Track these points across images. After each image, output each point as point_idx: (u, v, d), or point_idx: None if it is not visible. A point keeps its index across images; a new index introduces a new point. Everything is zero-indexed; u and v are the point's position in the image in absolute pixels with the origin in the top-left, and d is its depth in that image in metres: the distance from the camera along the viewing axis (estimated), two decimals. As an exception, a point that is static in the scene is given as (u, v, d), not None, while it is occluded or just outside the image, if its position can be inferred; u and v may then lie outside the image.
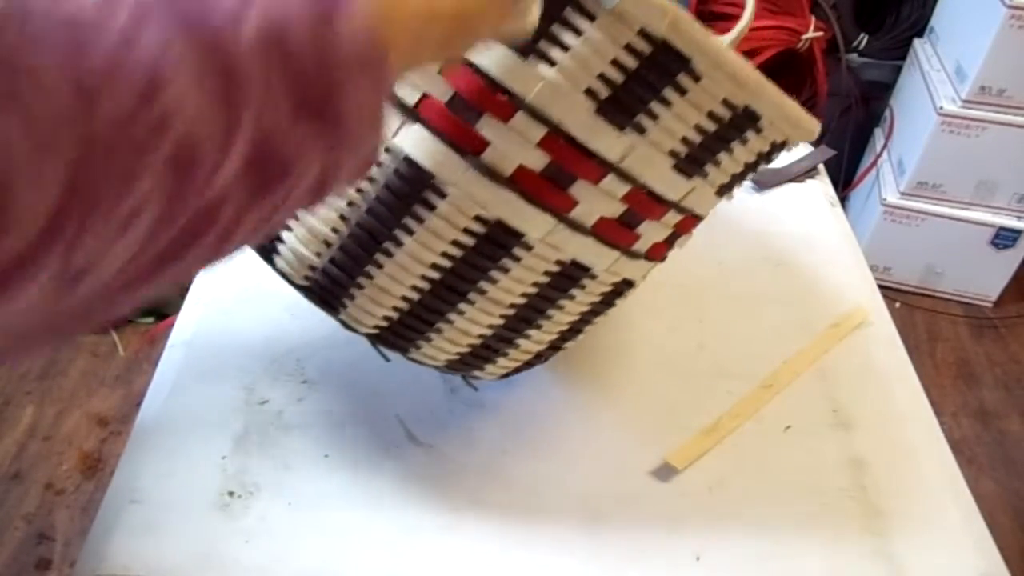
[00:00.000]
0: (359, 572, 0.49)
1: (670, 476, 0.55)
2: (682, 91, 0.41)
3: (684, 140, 0.43)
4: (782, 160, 0.89)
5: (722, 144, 0.45)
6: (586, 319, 0.52)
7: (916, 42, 1.86)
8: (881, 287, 0.73)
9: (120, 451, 0.56)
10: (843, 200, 1.99)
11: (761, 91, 0.42)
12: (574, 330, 0.53)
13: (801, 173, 0.88)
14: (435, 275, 0.45)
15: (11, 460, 1.37)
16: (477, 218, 0.43)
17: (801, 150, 0.92)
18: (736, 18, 0.58)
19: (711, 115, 0.42)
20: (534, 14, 0.38)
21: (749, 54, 1.60)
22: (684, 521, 0.53)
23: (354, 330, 0.49)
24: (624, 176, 0.43)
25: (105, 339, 1.59)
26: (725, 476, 0.56)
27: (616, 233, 0.47)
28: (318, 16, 0.27)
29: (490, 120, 0.41)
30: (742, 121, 0.44)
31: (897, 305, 1.86)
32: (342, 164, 0.30)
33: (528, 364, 0.54)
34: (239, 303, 0.66)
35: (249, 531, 0.50)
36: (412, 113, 0.42)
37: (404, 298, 0.46)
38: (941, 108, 1.64)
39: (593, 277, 0.48)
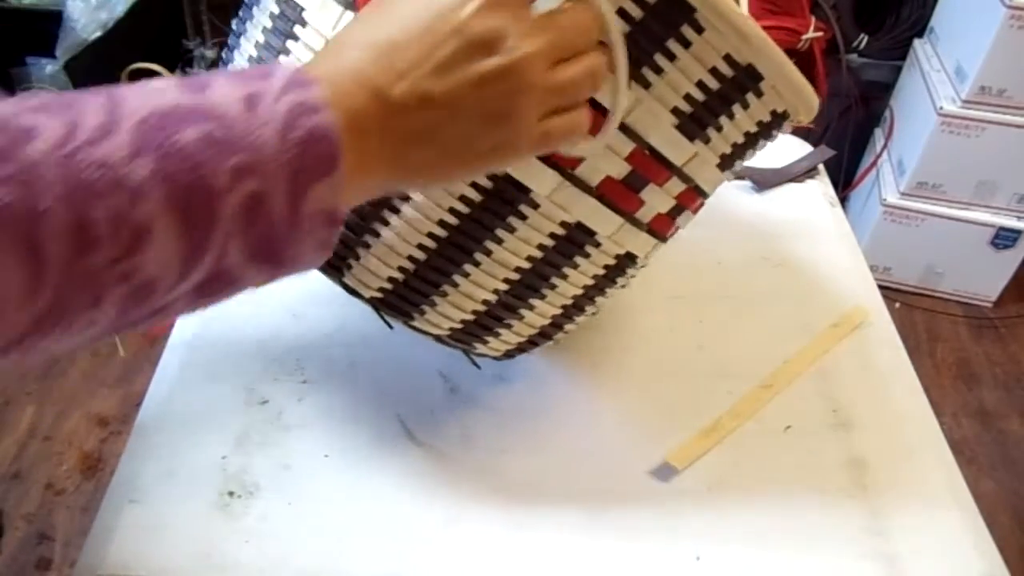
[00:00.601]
0: (359, 572, 0.49)
1: (670, 476, 0.55)
2: (686, 43, 0.41)
3: (687, 97, 0.43)
4: (782, 160, 0.89)
5: (724, 105, 0.45)
6: (589, 295, 0.52)
7: (916, 42, 1.86)
8: (881, 287, 0.73)
9: (120, 451, 0.56)
10: (843, 200, 1.99)
11: (764, 48, 0.42)
12: (577, 306, 0.52)
13: (801, 173, 0.88)
14: (442, 233, 0.45)
15: (11, 460, 1.37)
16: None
17: (801, 150, 0.92)
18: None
19: (714, 71, 0.42)
20: (591, 145, 0.41)
21: (749, 54, 1.59)
22: (684, 521, 0.53)
23: (359, 295, 0.50)
24: (628, 132, 0.44)
25: (105, 339, 1.59)
26: (725, 476, 0.56)
27: (620, 196, 0.47)
28: (295, 191, 0.30)
29: None
30: (744, 80, 0.44)
31: (897, 305, 1.86)
32: (285, 276, 0.34)
33: (531, 342, 0.54)
34: (239, 303, 0.65)
35: (249, 531, 0.50)
36: None
37: (410, 258, 0.47)
38: (941, 108, 1.64)
39: (597, 245, 0.48)
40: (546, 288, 0.49)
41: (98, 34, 1.71)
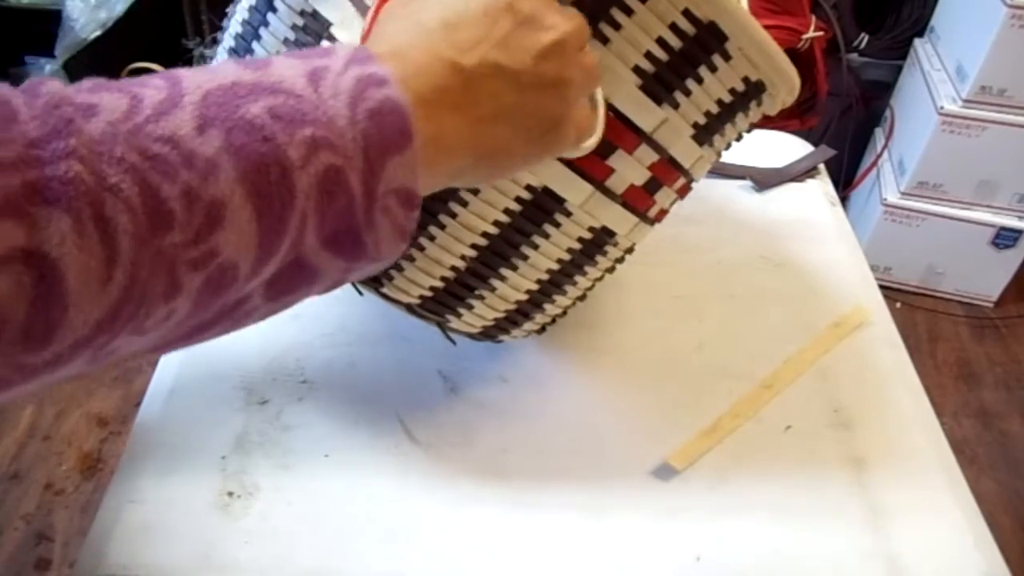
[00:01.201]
0: (359, 572, 0.49)
1: (670, 476, 0.55)
2: (714, 68, 0.42)
3: (648, 56, 0.42)
4: (782, 160, 0.89)
5: (688, 66, 0.44)
6: (567, 272, 0.52)
7: (916, 42, 1.86)
8: (881, 287, 0.73)
9: (120, 451, 0.56)
10: (843, 200, 1.99)
11: (722, 2, 0.41)
12: (555, 283, 0.52)
13: (801, 173, 0.88)
14: (484, 243, 0.47)
15: (11, 460, 1.37)
16: (528, 186, 0.45)
17: (801, 150, 0.92)
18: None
19: (674, 28, 0.42)
20: (592, 142, 0.40)
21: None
22: (684, 521, 0.53)
23: (395, 301, 0.50)
24: (654, 146, 0.44)
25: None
26: (725, 476, 0.56)
27: (640, 200, 0.48)
28: (371, 167, 0.29)
29: None
30: (707, 39, 0.43)
31: (897, 305, 1.86)
32: (362, 271, 0.33)
33: (510, 321, 0.54)
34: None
35: (249, 531, 0.50)
36: None
37: (453, 267, 0.48)
38: (942, 108, 1.64)
39: (568, 214, 0.48)
40: (516, 257, 0.49)
41: (97, 33, 1.71)
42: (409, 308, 0.51)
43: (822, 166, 0.91)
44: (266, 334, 0.63)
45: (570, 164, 0.45)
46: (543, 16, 0.34)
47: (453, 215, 0.46)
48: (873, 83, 1.95)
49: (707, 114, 0.47)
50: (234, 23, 0.50)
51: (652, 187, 0.49)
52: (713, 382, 0.63)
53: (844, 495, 0.55)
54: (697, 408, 0.60)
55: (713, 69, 0.44)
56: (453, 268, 0.48)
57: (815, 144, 0.94)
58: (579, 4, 0.40)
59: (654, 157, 0.47)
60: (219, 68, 0.28)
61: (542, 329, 0.58)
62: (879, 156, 1.89)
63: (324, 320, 0.65)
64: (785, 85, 0.47)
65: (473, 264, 0.48)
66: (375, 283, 0.50)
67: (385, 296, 0.50)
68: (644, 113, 0.44)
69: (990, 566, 0.51)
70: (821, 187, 0.87)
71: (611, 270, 0.55)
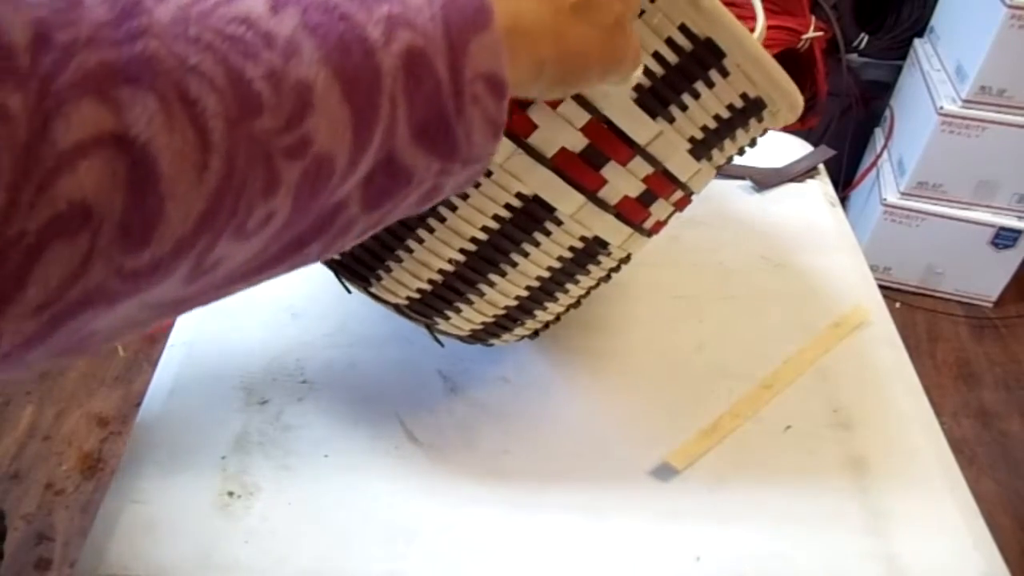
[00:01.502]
0: (359, 572, 0.49)
1: (670, 476, 0.55)
2: (711, 84, 0.42)
3: (703, 128, 0.43)
4: (782, 160, 0.89)
5: (685, 82, 0.44)
6: (558, 280, 0.51)
7: (916, 42, 1.86)
8: (881, 287, 0.73)
9: (120, 451, 0.56)
10: (843, 200, 1.99)
11: (719, 18, 0.41)
12: (546, 291, 0.52)
13: (801, 173, 0.88)
14: (472, 248, 0.47)
15: (11, 460, 1.37)
16: (518, 194, 0.45)
17: (801, 150, 0.92)
18: (739, 19, 0.58)
19: (670, 43, 0.42)
20: (639, 73, 0.39)
21: (749, 54, 1.59)
22: (684, 521, 0.53)
23: (383, 301, 0.50)
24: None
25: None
26: (725, 476, 0.56)
27: (634, 211, 0.47)
28: (453, 47, 0.28)
29: (540, 106, 0.43)
30: (704, 55, 0.43)
31: (897, 305, 1.86)
32: (455, 175, 0.31)
33: (500, 325, 0.54)
34: (239, 303, 0.66)
35: (249, 531, 0.50)
36: None
37: (441, 271, 0.48)
38: (941, 108, 1.64)
39: (559, 223, 0.48)
40: (505, 263, 0.48)
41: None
42: (397, 308, 0.51)
43: (822, 166, 0.91)
44: (266, 334, 0.63)
45: (561, 173, 0.45)
46: None
47: (442, 219, 0.46)
48: (873, 83, 1.95)
49: (704, 129, 0.46)
50: None
51: (647, 199, 0.49)
52: (713, 382, 0.63)
53: (843, 495, 0.55)
54: (697, 408, 0.60)
55: (710, 84, 0.44)
56: (441, 272, 0.48)
57: (815, 144, 0.94)
58: None
59: (649, 170, 0.47)
60: None
61: (535, 334, 0.58)
62: (879, 156, 1.89)
63: (325, 320, 0.65)
64: (785, 102, 0.47)
65: (461, 269, 0.48)
66: (364, 282, 0.50)
67: (374, 296, 0.50)
68: (639, 126, 0.44)
69: (989, 566, 0.51)
70: (821, 187, 0.88)
71: (606, 279, 0.55)
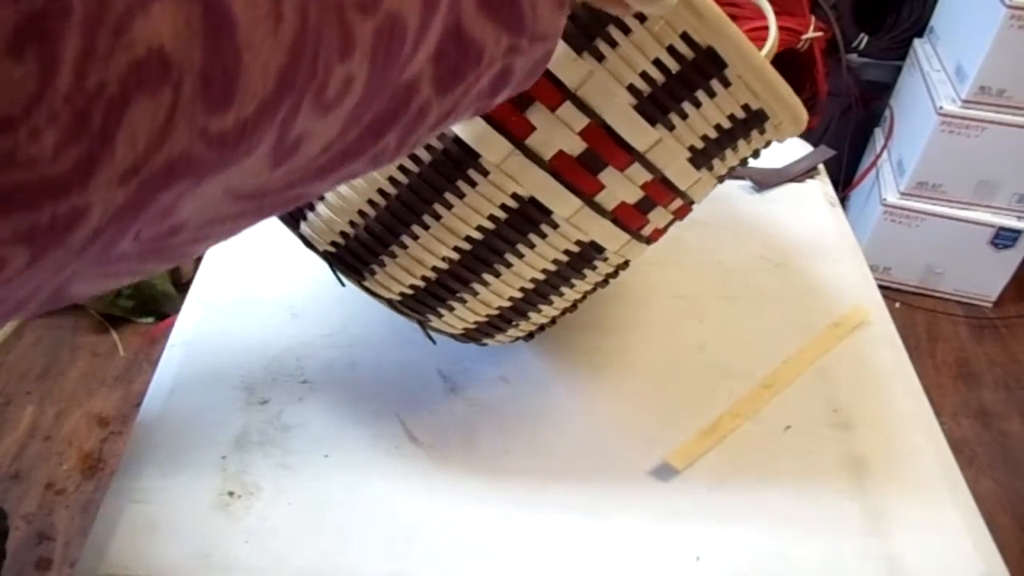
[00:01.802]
0: (359, 572, 0.49)
1: (670, 476, 0.55)
2: (712, 94, 0.42)
3: (644, 76, 0.42)
4: (782, 160, 0.89)
5: (686, 91, 0.43)
6: (552, 283, 0.51)
7: (916, 42, 1.86)
8: (881, 287, 0.73)
9: (120, 451, 0.56)
10: (843, 200, 1.99)
11: (721, 28, 0.41)
12: (540, 293, 0.52)
13: (801, 173, 0.88)
14: (467, 247, 0.47)
15: (11, 460, 1.37)
16: (514, 195, 0.45)
17: (801, 150, 0.92)
18: (737, 19, 0.58)
19: (672, 50, 0.42)
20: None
21: (749, 54, 1.59)
22: (684, 521, 0.53)
23: (375, 295, 0.50)
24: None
25: (105, 339, 1.59)
26: (725, 476, 0.56)
27: (632, 218, 0.47)
28: None
29: (539, 107, 0.43)
30: (705, 64, 0.42)
31: (897, 305, 1.86)
32: (524, 54, 0.31)
33: (493, 325, 0.54)
34: (239, 303, 0.66)
35: (249, 531, 0.50)
36: None
37: (435, 268, 0.48)
38: (941, 108, 1.64)
39: (554, 226, 0.48)
40: (500, 264, 0.48)
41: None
42: (391, 304, 0.51)
43: (822, 166, 0.91)
44: (266, 334, 0.63)
45: (558, 176, 0.45)
46: None
47: (437, 216, 0.46)
48: (873, 83, 1.95)
49: (704, 138, 0.46)
50: None
51: (645, 206, 0.49)
52: (713, 382, 0.63)
53: (843, 495, 0.55)
54: (697, 408, 0.60)
55: (712, 94, 0.44)
56: (435, 269, 0.48)
57: (815, 144, 0.94)
58: (573, 18, 0.40)
59: (647, 177, 0.47)
60: None
61: (530, 336, 0.58)
62: (878, 156, 1.89)
63: (325, 320, 0.65)
64: (788, 115, 0.46)
65: (455, 267, 0.48)
66: (358, 275, 0.50)
67: (367, 289, 0.50)
68: (638, 133, 0.44)
69: (989, 566, 0.51)
70: (821, 187, 0.88)
71: (603, 284, 0.55)
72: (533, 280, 0.50)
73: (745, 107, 0.45)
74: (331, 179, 0.28)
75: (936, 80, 1.71)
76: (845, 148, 1.91)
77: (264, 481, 0.53)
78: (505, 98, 0.32)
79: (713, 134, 0.46)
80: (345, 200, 0.47)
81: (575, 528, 0.52)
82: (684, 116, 0.44)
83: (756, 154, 0.51)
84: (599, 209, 0.47)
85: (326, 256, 0.51)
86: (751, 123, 0.47)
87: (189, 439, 0.55)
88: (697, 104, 0.44)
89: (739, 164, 0.51)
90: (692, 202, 0.52)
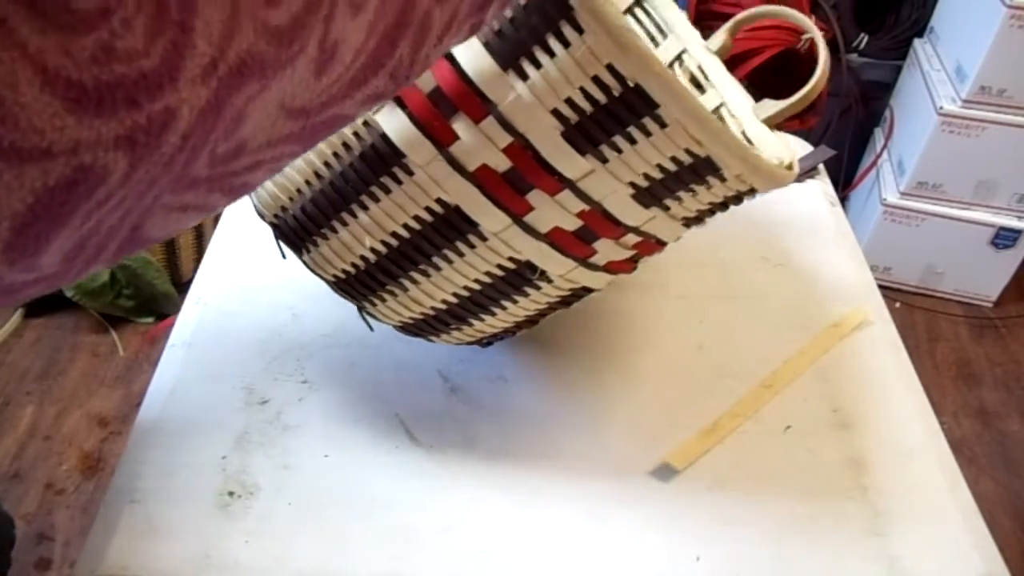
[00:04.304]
0: (359, 572, 0.49)
1: (670, 476, 0.55)
2: (647, 132, 0.41)
3: (569, 102, 0.41)
4: (782, 160, 0.89)
5: (616, 125, 0.42)
6: (489, 295, 0.51)
7: (916, 42, 1.86)
8: (881, 287, 0.73)
9: (120, 451, 0.56)
10: (843, 200, 1.99)
11: (647, 66, 0.39)
12: (476, 303, 0.51)
13: (801, 173, 0.88)
14: (394, 242, 0.48)
15: (11, 460, 1.37)
16: (439, 200, 0.45)
17: (801, 150, 0.92)
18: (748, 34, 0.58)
19: (597, 80, 0.41)
20: None
21: (749, 54, 1.60)
22: (684, 521, 0.53)
23: (315, 273, 0.52)
24: (581, 195, 0.44)
25: (105, 339, 1.59)
26: (725, 476, 0.56)
27: (571, 244, 0.47)
28: None
29: (463, 118, 0.43)
30: (634, 101, 0.41)
31: (897, 305, 1.86)
32: None
33: (429, 324, 0.54)
34: (239, 303, 0.66)
35: (249, 531, 0.50)
36: (396, 97, 0.44)
37: (363, 257, 0.49)
38: (941, 108, 1.64)
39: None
40: (427, 266, 0.48)
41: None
42: (328, 283, 0.53)
43: (822, 166, 0.91)
44: (266, 334, 0.63)
45: (483, 189, 0.44)
46: None
47: (365, 207, 0.47)
48: (873, 83, 1.95)
49: (647, 177, 0.44)
50: None
51: (586, 236, 0.47)
52: (713, 382, 0.63)
53: (843, 495, 0.55)
54: (697, 408, 0.60)
55: (647, 133, 0.42)
56: (363, 259, 0.49)
57: (815, 144, 0.94)
58: (499, 33, 0.40)
59: (582, 206, 0.45)
60: None
61: (486, 343, 0.57)
62: (879, 156, 1.89)
63: (325, 320, 0.65)
64: (745, 168, 0.43)
65: (383, 261, 0.49)
66: (297, 250, 0.52)
67: (307, 265, 0.52)
68: (564, 159, 0.43)
69: (989, 567, 0.51)
70: (821, 187, 0.88)
71: (562, 305, 0.54)
72: (467, 288, 0.50)
73: (689, 152, 0.43)
74: (358, 97, 0.29)
75: (936, 80, 1.71)
76: (845, 148, 1.91)
77: (264, 481, 0.53)
78: (496, 12, 0.33)
79: (656, 174, 0.44)
80: (287, 177, 0.50)
81: (575, 528, 0.52)
82: (618, 151, 0.43)
83: (737, 200, 0.48)
84: (530, 230, 0.46)
85: (272, 227, 0.53)
86: (701, 170, 0.44)
87: (189, 439, 0.55)
88: (632, 140, 0.42)
89: (715, 209, 0.49)
90: (657, 240, 0.50)
